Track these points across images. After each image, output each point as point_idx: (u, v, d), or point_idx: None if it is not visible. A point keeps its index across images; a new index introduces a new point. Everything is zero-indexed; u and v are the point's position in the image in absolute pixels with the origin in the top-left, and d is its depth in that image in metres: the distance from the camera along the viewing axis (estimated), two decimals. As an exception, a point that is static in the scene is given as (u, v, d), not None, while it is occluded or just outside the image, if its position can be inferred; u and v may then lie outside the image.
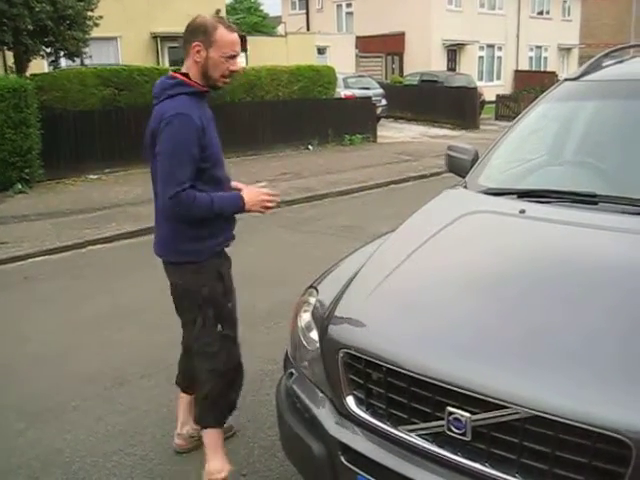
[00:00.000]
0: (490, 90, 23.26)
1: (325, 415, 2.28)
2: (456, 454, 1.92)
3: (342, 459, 2.17)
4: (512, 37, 31.51)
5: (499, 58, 31.56)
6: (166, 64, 18.46)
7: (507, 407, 1.78)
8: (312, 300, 2.60)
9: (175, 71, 2.80)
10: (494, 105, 23.68)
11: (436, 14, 27.67)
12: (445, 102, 20.79)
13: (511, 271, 2.28)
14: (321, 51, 24.92)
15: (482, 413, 1.83)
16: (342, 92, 17.87)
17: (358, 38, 26.34)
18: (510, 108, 23.23)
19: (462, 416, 1.87)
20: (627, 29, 37.14)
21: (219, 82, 2.77)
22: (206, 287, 2.82)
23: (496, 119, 23.06)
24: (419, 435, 2.00)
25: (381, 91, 20.24)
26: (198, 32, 2.67)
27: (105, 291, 5.90)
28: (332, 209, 9.49)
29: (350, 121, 15.78)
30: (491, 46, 30.79)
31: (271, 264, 6.69)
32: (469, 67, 28.87)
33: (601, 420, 1.66)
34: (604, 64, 3.30)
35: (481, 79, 28.57)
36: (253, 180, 3.66)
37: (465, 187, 3.13)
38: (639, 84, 3.02)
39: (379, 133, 17.07)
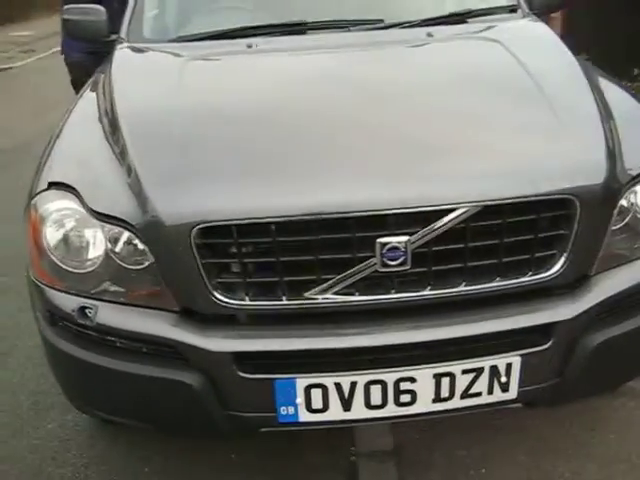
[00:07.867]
0: None
1: (182, 332, 1.66)
2: (390, 292, 1.64)
3: (240, 375, 1.63)
4: None
5: None
6: None
7: (452, 210, 1.57)
8: (70, 205, 1.75)
9: None
10: None
11: None
12: None
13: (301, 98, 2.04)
14: None
15: (421, 229, 1.57)
16: None
17: None
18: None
19: (399, 242, 1.56)
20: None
21: None
22: None
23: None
24: (338, 292, 1.62)
25: None
26: None
27: None
28: None
29: None
30: None
31: None
32: None
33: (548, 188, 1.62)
34: None
35: None
36: None
37: (133, 45, 2.59)
38: None
39: None
